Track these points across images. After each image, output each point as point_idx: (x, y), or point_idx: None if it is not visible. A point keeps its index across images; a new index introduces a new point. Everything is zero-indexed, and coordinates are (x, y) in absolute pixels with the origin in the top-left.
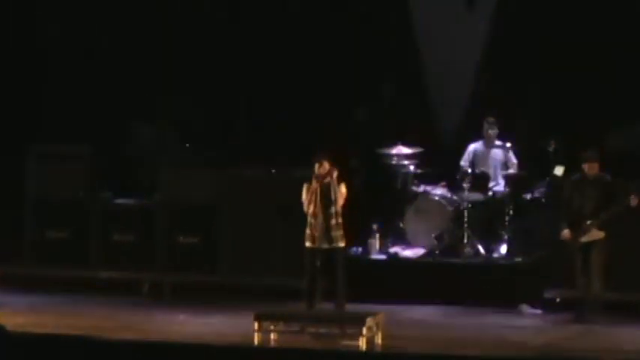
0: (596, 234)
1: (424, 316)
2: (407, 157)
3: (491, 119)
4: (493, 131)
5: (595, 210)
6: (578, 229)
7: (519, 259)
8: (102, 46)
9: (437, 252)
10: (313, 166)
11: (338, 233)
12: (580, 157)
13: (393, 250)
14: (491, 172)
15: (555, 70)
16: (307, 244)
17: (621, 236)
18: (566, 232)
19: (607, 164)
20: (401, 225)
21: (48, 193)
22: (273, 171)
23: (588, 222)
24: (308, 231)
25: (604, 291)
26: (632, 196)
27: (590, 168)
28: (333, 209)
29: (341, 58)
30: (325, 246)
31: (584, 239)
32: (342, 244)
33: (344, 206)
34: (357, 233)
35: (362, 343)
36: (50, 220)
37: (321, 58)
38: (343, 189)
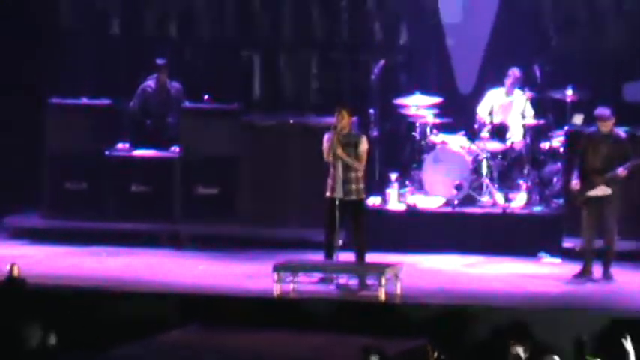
0: (603, 189)
1: (443, 266)
2: (425, 106)
3: (513, 68)
4: (516, 75)
5: (605, 166)
6: (587, 183)
7: (538, 209)
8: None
9: (455, 202)
10: (333, 116)
11: (357, 186)
12: (594, 115)
13: (411, 200)
14: (509, 121)
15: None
16: (327, 194)
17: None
18: (574, 184)
19: (625, 114)
20: (419, 175)
21: (66, 145)
22: (291, 121)
23: (597, 177)
24: (329, 181)
25: (615, 246)
26: (623, 167)
27: (602, 126)
28: (352, 161)
29: (357, 6)
30: (343, 197)
31: (591, 193)
32: (361, 197)
33: (366, 159)
34: (375, 183)
35: (381, 294)
36: (69, 172)
37: (337, 4)
38: (364, 145)
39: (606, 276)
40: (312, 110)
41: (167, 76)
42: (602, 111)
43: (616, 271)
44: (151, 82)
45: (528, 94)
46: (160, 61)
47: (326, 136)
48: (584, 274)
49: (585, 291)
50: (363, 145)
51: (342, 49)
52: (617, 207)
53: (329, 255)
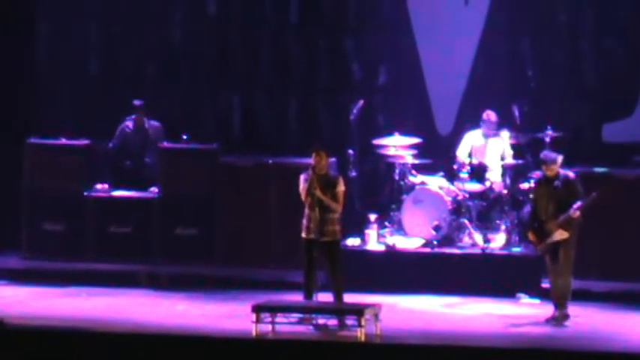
0: (561, 233)
1: (422, 307)
2: (404, 147)
3: (488, 111)
4: (491, 120)
5: (558, 210)
6: (544, 230)
7: (517, 249)
8: (98, 38)
9: (435, 242)
10: (311, 157)
11: (333, 227)
12: (539, 160)
13: (390, 240)
14: (488, 162)
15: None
16: (303, 234)
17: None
18: (530, 235)
19: (605, 155)
20: (398, 215)
21: (44, 185)
22: (270, 161)
23: (552, 223)
24: (304, 222)
25: (571, 288)
26: (575, 207)
27: (548, 170)
28: (329, 202)
29: (336, 47)
30: (319, 238)
31: (549, 241)
32: (337, 238)
33: (343, 201)
34: (354, 224)
35: (361, 335)
36: (46, 212)
37: (316, 46)
38: (341, 186)
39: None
40: (291, 151)
41: (144, 116)
42: (547, 155)
43: (594, 312)
44: (129, 123)
45: (507, 135)
46: (136, 102)
47: (302, 177)
48: (557, 321)
49: (565, 332)
50: (341, 187)
51: (321, 90)
52: (574, 248)
53: (308, 296)
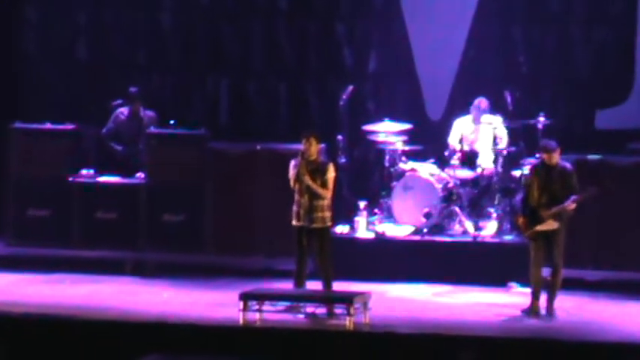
0: (551, 223)
1: (412, 296)
2: (394, 133)
3: (480, 98)
4: (482, 107)
5: (551, 200)
6: (534, 217)
7: (508, 238)
8: (87, 24)
9: (425, 230)
10: (300, 142)
11: (323, 214)
12: (540, 147)
13: (380, 228)
14: (480, 148)
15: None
16: (293, 221)
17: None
18: (519, 220)
19: (597, 142)
20: (388, 203)
21: (29, 171)
22: (259, 148)
23: (544, 211)
24: (294, 208)
25: (561, 280)
26: (571, 200)
27: (548, 158)
28: (319, 189)
29: (326, 33)
30: (309, 225)
31: (539, 228)
32: (327, 224)
33: (333, 187)
34: (343, 211)
35: (349, 323)
36: (31, 198)
37: (306, 31)
38: (331, 172)
39: (550, 312)
40: (281, 137)
41: (140, 104)
42: (548, 142)
43: (587, 301)
44: (124, 110)
45: (499, 121)
46: (132, 90)
47: (292, 163)
48: (533, 312)
49: (557, 322)
50: (330, 173)
51: (311, 76)
52: (564, 240)
53: (299, 284)
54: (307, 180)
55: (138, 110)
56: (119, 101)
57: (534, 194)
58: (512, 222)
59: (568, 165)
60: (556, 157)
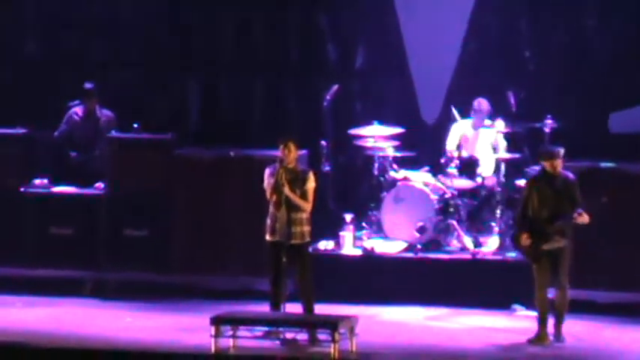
0: (558, 241)
1: (404, 319)
2: (384, 138)
3: (480, 99)
4: (482, 111)
5: (554, 213)
6: (538, 234)
7: (512, 255)
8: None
9: (419, 246)
10: (278, 148)
11: (302, 228)
12: (540, 153)
13: (368, 244)
14: (480, 155)
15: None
16: (267, 237)
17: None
18: (524, 238)
19: (611, 147)
20: (378, 216)
21: None
22: (232, 154)
23: (549, 227)
24: (269, 221)
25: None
26: (579, 213)
27: (550, 165)
28: (298, 200)
29: (307, 23)
30: (286, 240)
31: (546, 247)
32: (306, 240)
33: (313, 199)
34: (327, 225)
35: (334, 351)
36: None
37: (285, 22)
38: (311, 182)
39: (558, 337)
40: (256, 142)
41: (96, 103)
42: (551, 148)
43: (599, 326)
44: (78, 110)
45: (501, 125)
46: (87, 85)
47: (267, 171)
48: (541, 340)
49: (563, 347)
50: (311, 183)
51: (290, 73)
52: (570, 258)
53: (275, 306)
54: (286, 190)
55: (93, 109)
56: (76, 101)
57: (534, 208)
58: (512, 241)
59: (570, 174)
60: (559, 165)
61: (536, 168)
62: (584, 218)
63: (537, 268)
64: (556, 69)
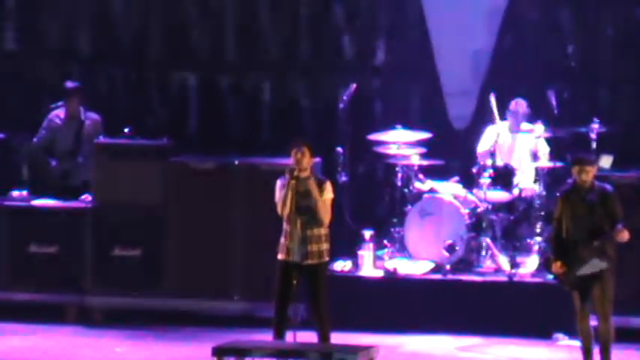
0: (596, 264)
1: (431, 350)
2: (408, 144)
3: (518, 100)
4: (520, 111)
5: (591, 231)
6: (573, 258)
7: (553, 277)
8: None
9: (448, 267)
10: (290, 156)
11: (319, 246)
12: (572, 160)
13: (391, 264)
14: (517, 163)
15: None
16: (279, 256)
17: None
18: (557, 267)
19: None
20: (401, 232)
21: None
22: (236, 162)
23: (585, 250)
24: (282, 240)
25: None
26: (619, 229)
27: (583, 174)
28: (313, 216)
29: (321, 16)
30: (301, 261)
31: (582, 272)
32: (323, 260)
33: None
34: (344, 243)
35: None
36: None
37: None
38: (329, 192)
39: None
40: (263, 148)
41: (79, 104)
42: (583, 155)
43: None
44: (59, 112)
45: (541, 129)
46: (69, 85)
47: (279, 183)
48: None
49: None
50: (328, 194)
51: (302, 71)
52: (613, 281)
53: (279, 334)
54: (312, 187)
55: (76, 111)
56: (59, 103)
57: (567, 228)
58: (544, 267)
59: (608, 186)
60: (590, 173)
61: (570, 181)
62: (623, 234)
63: (576, 296)
64: (603, 66)
